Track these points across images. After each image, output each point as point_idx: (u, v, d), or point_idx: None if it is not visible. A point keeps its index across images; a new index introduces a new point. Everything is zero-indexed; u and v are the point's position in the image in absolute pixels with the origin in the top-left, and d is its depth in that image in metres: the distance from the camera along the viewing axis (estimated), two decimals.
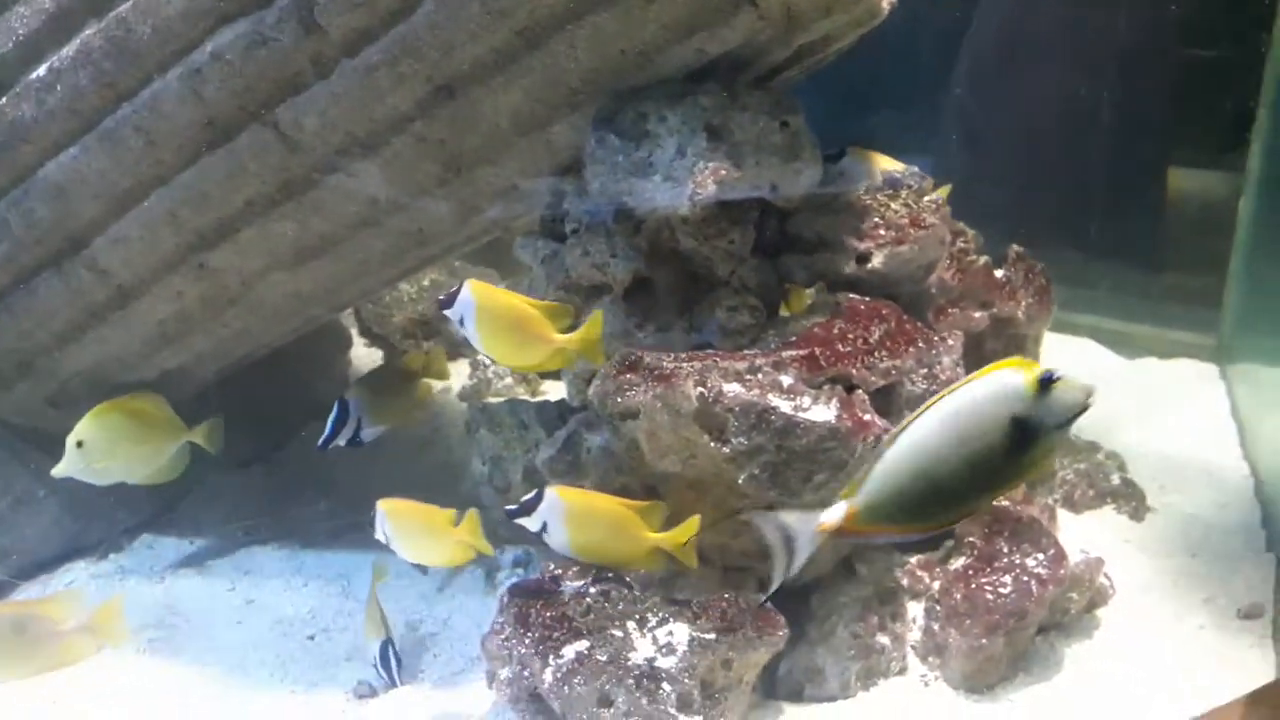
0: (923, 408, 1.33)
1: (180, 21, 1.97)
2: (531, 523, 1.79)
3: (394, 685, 2.14)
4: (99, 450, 2.32)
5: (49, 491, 2.60)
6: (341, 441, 2.35)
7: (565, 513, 1.78)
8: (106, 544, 2.72)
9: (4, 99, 2.18)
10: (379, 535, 2.03)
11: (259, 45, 1.92)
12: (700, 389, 1.77)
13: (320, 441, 2.38)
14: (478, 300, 1.74)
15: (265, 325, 2.52)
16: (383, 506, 2.02)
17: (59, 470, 2.30)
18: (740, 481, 1.80)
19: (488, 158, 2.03)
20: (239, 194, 2.13)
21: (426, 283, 3.87)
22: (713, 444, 1.78)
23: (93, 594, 2.57)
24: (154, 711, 2.18)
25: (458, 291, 1.76)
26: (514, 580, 2.50)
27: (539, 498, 1.79)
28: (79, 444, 2.29)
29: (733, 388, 1.78)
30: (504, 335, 1.76)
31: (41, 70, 2.12)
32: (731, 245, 1.95)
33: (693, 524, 1.77)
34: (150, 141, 2.08)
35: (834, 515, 1.40)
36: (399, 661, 2.15)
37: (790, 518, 1.47)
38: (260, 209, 2.15)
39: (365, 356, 3.74)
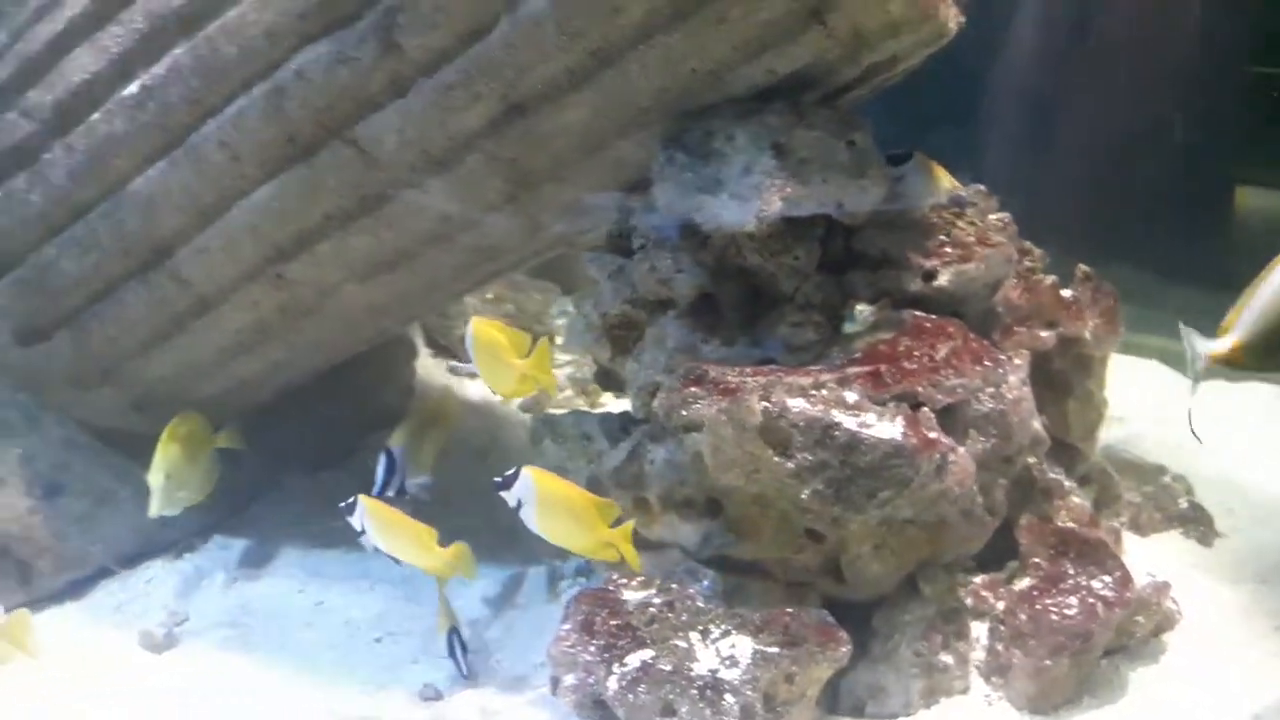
0: None
1: (265, 41, 2.05)
2: (509, 498, 1.88)
3: (461, 674, 2.18)
4: (179, 480, 2.47)
5: (129, 492, 2.70)
6: (390, 492, 2.43)
7: (536, 494, 1.87)
8: (181, 544, 2.81)
9: (97, 114, 2.28)
10: (356, 525, 2.16)
11: (340, 64, 1.99)
12: (765, 404, 1.79)
13: (374, 492, 2.45)
14: (537, 486, 1.88)
15: (339, 336, 2.60)
16: (364, 502, 2.15)
17: (156, 510, 2.44)
18: (803, 497, 1.82)
19: (557, 175, 2.08)
20: (317, 208, 2.20)
21: (490, 296, 3.94)
22: (776, 459, 1.80)
23: (163, 593, 2.67)
24: (228, 707, 2.25)
25: (515, 475, 1.88)
26: (576, 589, 2.54)
27: (516, 475, 1.88)
28: (167, 478, 2.42)
29: (797, 403, 1.80)
30: (560, 520, 1.89)
31: (133, 87, 2.22)
32: (796, 261, 1.97)
33: (628, 527, 1.88)
34: (234, 156, 2.17)
35: (1221, 346, 1.80)
36: (464, 649, 2.20)
37: (1196, 339, 1.95)
38: (337, 223, 2.22)
39: (431, 367, 3.82)
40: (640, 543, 2.12)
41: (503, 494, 1.89)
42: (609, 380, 2.35)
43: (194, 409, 2.67)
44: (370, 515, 2.15)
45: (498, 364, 2.02)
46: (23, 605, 2.59)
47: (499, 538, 2.51)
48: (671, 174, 1.91)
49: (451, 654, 2.19)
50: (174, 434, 2.48)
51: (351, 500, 2.17)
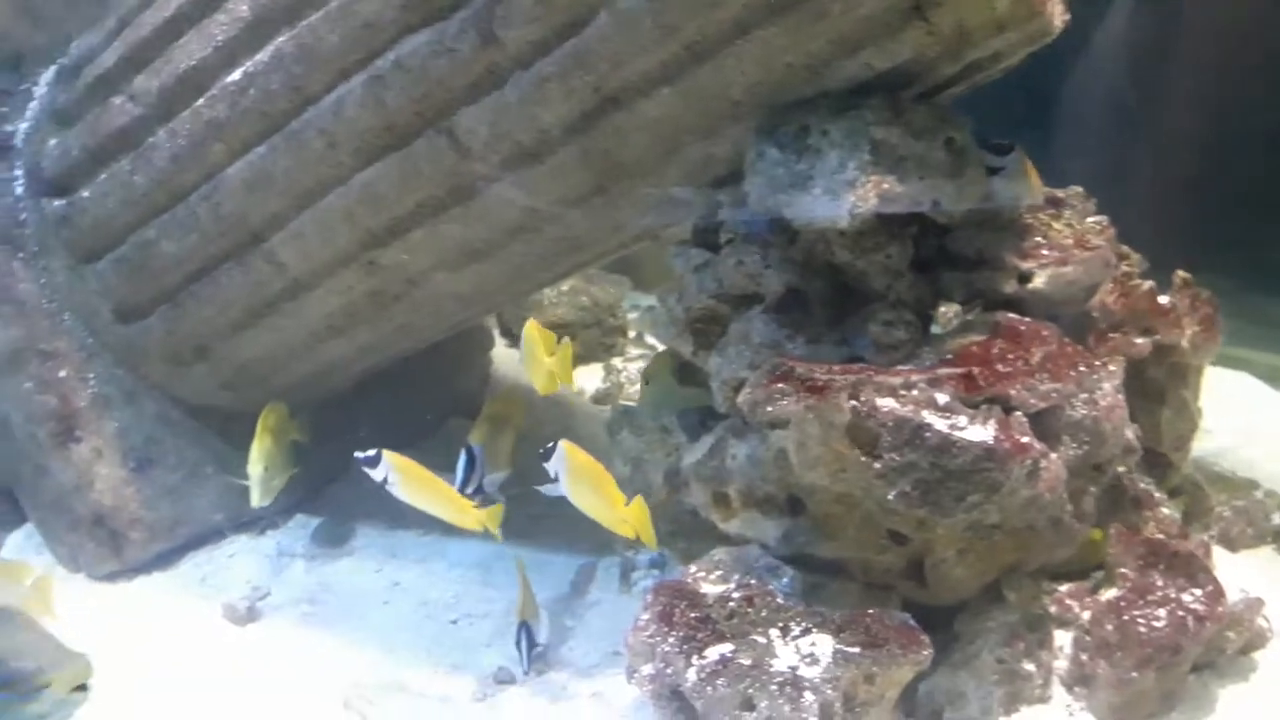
0: None
1: (366, 31, 2.08)
2: (550, 468, 2.04)
3: (523, 669, 2.22)
4: (274, 470, 2.56)
5: (216, 468, 2.77)
6: (469, 490, 2.47)
7: (569, 467, 2.03)
8: (264, 521, 2.88)
9: (201, 100, 2.35)
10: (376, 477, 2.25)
11: (439, 55, 2.02)
12: (854, 402, 1.78)
13: (457, 488, 2.49)
14: (569, 460, 2.05)
15: (425, 322, 2.64)
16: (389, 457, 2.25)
17: (259, 501, 2.53)
18: (890, 498, 1.80)
19: (646, 168, 2.08)
20: (411, 196, 2.24)
21: (565, 287, 3.98)
22: (863, 458, 1.79)
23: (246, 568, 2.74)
24: (307, 680, 2.30)
25: (554, 448, 2.05)
26: (649, 580, 2.56)
27: (555, 449, 2.03)
28: (265, 469, 2.52)
29: (887, 402, 1.78)
30: (586, 493, 2.05)
31: (236, 74, 2.28)
32: (889, 260, 1.95)
33: (639, 503, 2.03)
34: (332, 144, 2.21)
35: None
36: (530, 645, 2.22)
37: None
38: (430, 211, 2.26)
39: (505, 356, 3.86)
40: (718, 537, 2.14)
41: (545, 464, 2.06)
42: (688, 375, 2.35)
43: (282, 389, 2.75)
44: (397, 470, 2.24)
45: (534, 361, 2.20)
46: (114, 573, 2.70)
47: (571, 528, 2.53)
48: (763, 168, 1.91)
49: (517, 645, 2.22)
50: (265, 426, 2.55)
51: (375, 453, 2.23)
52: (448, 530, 2.85)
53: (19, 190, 2.72)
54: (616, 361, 4.02)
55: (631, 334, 4.26)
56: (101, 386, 2.69)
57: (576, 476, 2.05)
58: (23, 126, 2.76)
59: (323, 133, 2.20)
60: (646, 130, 1.99)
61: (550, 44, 1.93)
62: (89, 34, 2.70)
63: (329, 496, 3.03)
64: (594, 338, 4.10)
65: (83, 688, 0.93)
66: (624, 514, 2.03)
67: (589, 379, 3.83)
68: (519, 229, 2.28)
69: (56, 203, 2.63)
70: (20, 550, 2.83)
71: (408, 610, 2.57)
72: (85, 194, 2.58)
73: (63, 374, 2.66)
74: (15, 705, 0.90)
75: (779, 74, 1.86)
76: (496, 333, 3.87)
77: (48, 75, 2.80)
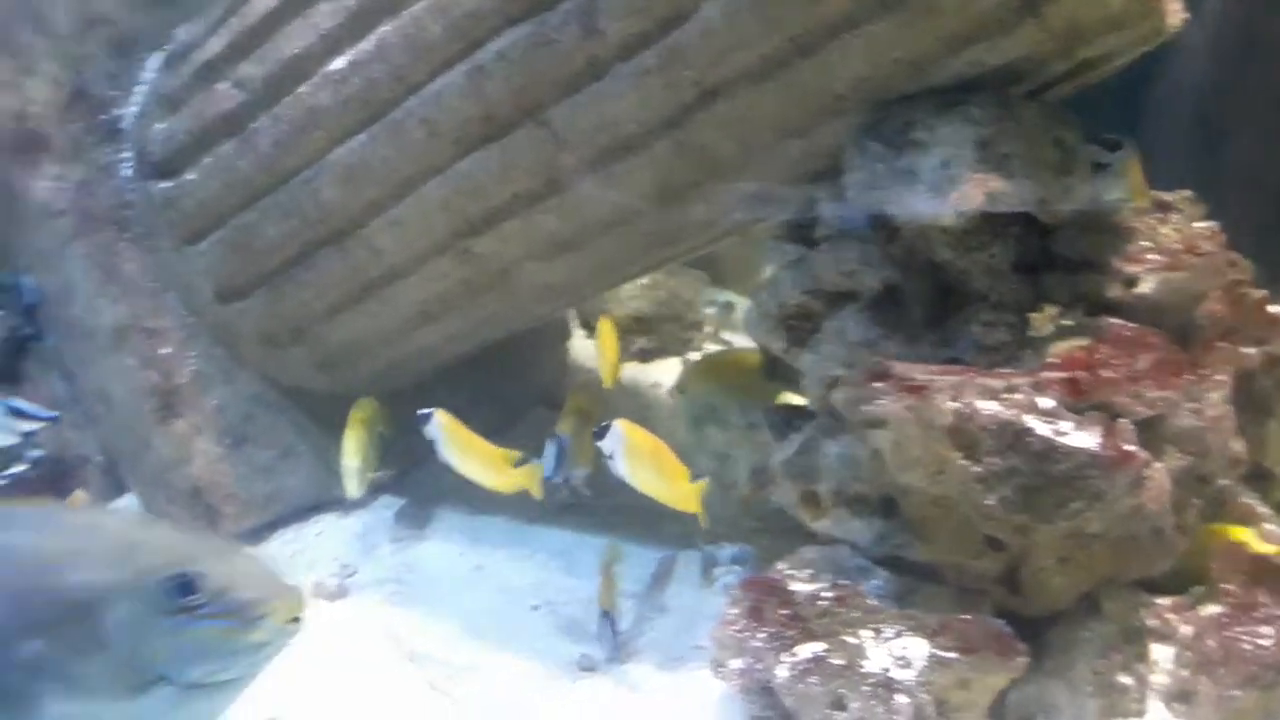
0: None
1: (469, 21, 2.10)
2: (605, 447, 2.07)
3: (608, 657, 2.23)
4: (367, 462, 2.64)
5: (307, 447, 2.84)
6: (559, 479, 2.49)
7: (625, 446, 2.06)
8: (351, 502, 2.94)
9: (305, 87, 2.40)
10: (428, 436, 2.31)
11: (541, 46, 2.03)
12: (955, 404, 1.76)
13: (545, 475, 2.51)
14: (627, 438, 2.09)
15: (513, 311, 2.67)
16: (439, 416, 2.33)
17: (356, 492, 2.61)
18: (989, 503, 1.77)
19: (743, 162, 2.07)
20: (508, 186, 2.26)
21: (645, 280, 3.98)
22: (963, 461, 1.76)
23: (333, 546, 2.80)
24: (395, 659, 2.35)
25: (608, 427, 2.09)
26: (732, 576, 2.56)
27: (609, 428, 2.08)
28: (360, 462, 2.60)
29: (989, 405, 1.75)
30: (645, 471, 2.09)
31: (340, 62, 2.31)
32: (991, 259, 1.92)
33: (702, 484, 2.10)
34: (432, 133, 2.24)
35: None
36: (615, 633, 2.24)
37: None
38: (526, 202, 2.27)
39: (581, 349, 3.89)
40: (804, 535, 2.13)
41: (599, 443, 2.10)
42: (777, 371, 2.34)
43: (372, 374, 2.81)
44: (444, 429, 2.30)
45: (600, 356, 2.37)
46: None
47: (651, 519, 2.54)
48: (864, 164, 1.88)
49: (600, 634, 2.23)
50: (358, 419, 2.62)
51: (428, 411, 2.29)
52: (530, 517, 2.90)
53: (126, 172, 2.80)
54: (694, 356, 4.02)
55: (708, 329, 4.26)
56: (201, 364, 2.77)
57: (634, 455, 2.06)
58: (131, 111, 2.83)
59: (423, 122, 2.23)
60: (745, 124, 1.97)
61: (652, 36, 1.93)
62: (194, 21, 2.77)
63: (412, 480, 3.08)
64: (672, 331, 4.10)
65: (296, 619, 0.97)
66: (684, 491, 2.04)
67: (666, 373, 3.84)
68: (612, 222, 2.28)
69: (162, 185, 2.71)
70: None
71: (490, 594, 2.60)
72: (190, 177, 2.65)
73: (165, 351, 2.74)
74: (238, 633, 0.94)
75: (885, 69, 1.83)
76: (575, 325, 3.90)
77: (155, 61, 2.87)
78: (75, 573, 0.93)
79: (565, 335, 3.73)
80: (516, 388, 3.27)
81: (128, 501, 2.95)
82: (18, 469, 3.01)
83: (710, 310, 4.32)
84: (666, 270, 3.96)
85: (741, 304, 4.39)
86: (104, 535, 0.97)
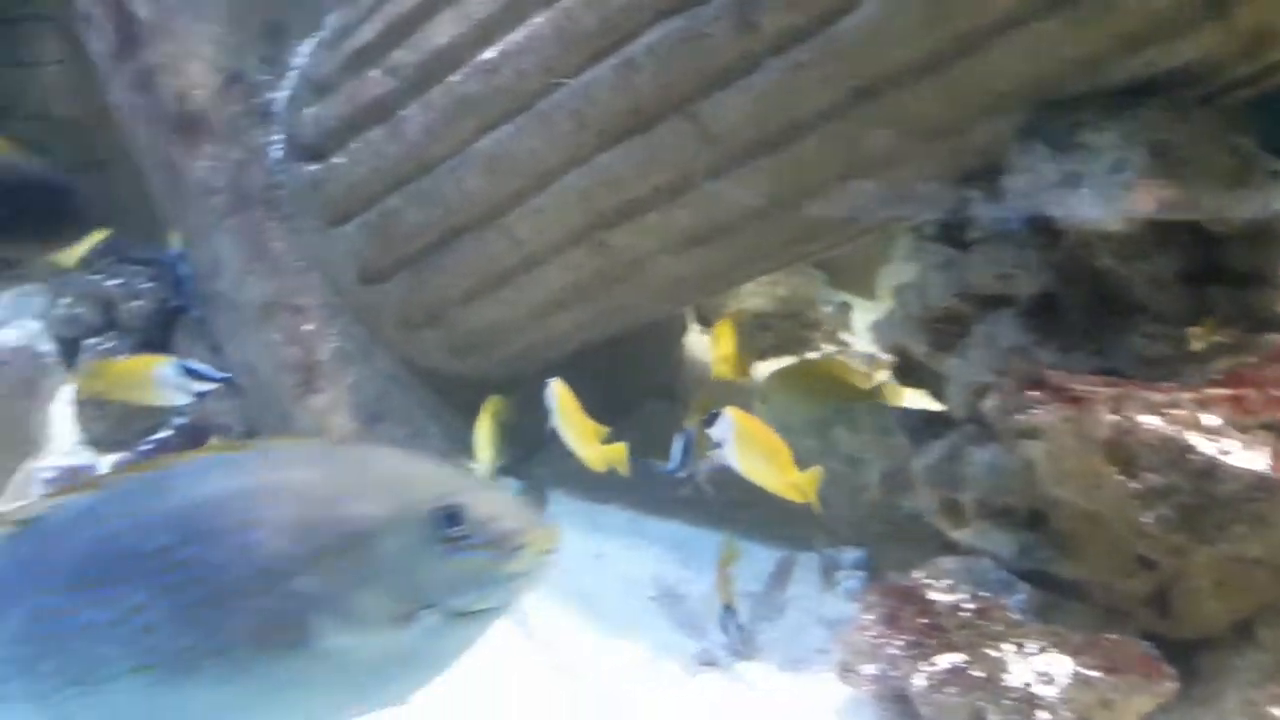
0: None
1: (621, 14, 2.11)
2: (714, 434, 2.09)
3: (736, 650, 2.22)
4: (497, 455, 2.67)
5: (437, 428, 2.91)
6: (683, 473, 2.50)
7: (735, 433, 2.06)
8: None
9: (455, 76, 2.44)
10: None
11: (692, 40, 2.03)
12: (1114, 417, 1.70)
13: (671, 467, 2.52)
14: (737, 426, 2.09)
15: (642, 303, 2.68)
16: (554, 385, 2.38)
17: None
18: (1145, 521, 1.71)
19: (894, 159, 2.04)
20: (649, 179, 2.27)
21: (767, 277, 3.96)
22: (1120, 477, 1.71)
23: None
24: (515, 638, 2.38)
25: (718, 415, 2.11)
26: (854, 581, 2.53)
27: (719, 415, 2.09)
28: (491, 456, 2.63)
29: (1150, 420, 1.69)
30: (755, 459, 2.08)
31: (491, 52, 2.35)
32: (1155, 269, 1.85)
33: (816, 473, 2.05)
34: (579, 124, 2.26)
35: None
36: (738, 627, 2.24)
37: None
38: (665, 195, 2.28)
39: (697, 344, 3.89)
40: (939, 544, 2.09)
41: (708, 430, 2.11)
42: (910, 374, 2.30)
43: (502, 359, 2.86)
44: (556, 397, 2.35)
45: (713, 351, 2.41)
46: None
47: (769, 518, 2.53)
48: (1027, 164, 1.83)
49: (724, 628, 2.23)
50: (489, 414, 2.66)
51: (549, 380, 2.34)
52: (648, 508, 2.92)
53: (277, 154, 2.90)
54: (811, 355, 3.99)
55: (825, 328, 4.22)
56: (341, 343, 2.86)
57: (744, 443, 2.06)
58: (282, 95, 2.93)
59: (572, 114, 2.25)
60: (900, 121, 1.94)
61: (809, 31, 1.91)
62: (346, 9, 2.85)
63: (536, 462, 3.13)
64: (790, 329, 4.08)
65: (551, 551, 1.01)
66: (795, 480, 2.02)
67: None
68: (754, 216, 2.27)
69: (311, 167, 2.80)
70: None
71: (611, 582, 2.62)
72: (338, 161, 2.73)
73: (307, 328, 2.83)
74: (499, 563, 0.98)
75: (1052, 69, 1.78)
76: (692, 320, 3.90)
77: (306, 47, 2.97)
78: (352, 505, 0.97)
79: (682, 331, 3.73)
80: (633, 380, 3.29)
81: None
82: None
83: (828, 309, 4.28)
84: (788, 268, 3.94)
85: (858, 305, 4.35)
86: (375, 469, 1.00)
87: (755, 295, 3.97)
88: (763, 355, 3.89)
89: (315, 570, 0.96)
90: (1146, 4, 1.66)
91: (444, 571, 0.98)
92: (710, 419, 2.09)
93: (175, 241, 3.11)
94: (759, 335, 3.86)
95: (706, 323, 3.96)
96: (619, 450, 2.33)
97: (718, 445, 2.10)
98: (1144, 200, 1.71)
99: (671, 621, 2.47)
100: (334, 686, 0.99)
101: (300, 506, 0.97)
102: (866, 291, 4.51)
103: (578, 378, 3.02)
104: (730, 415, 2.07)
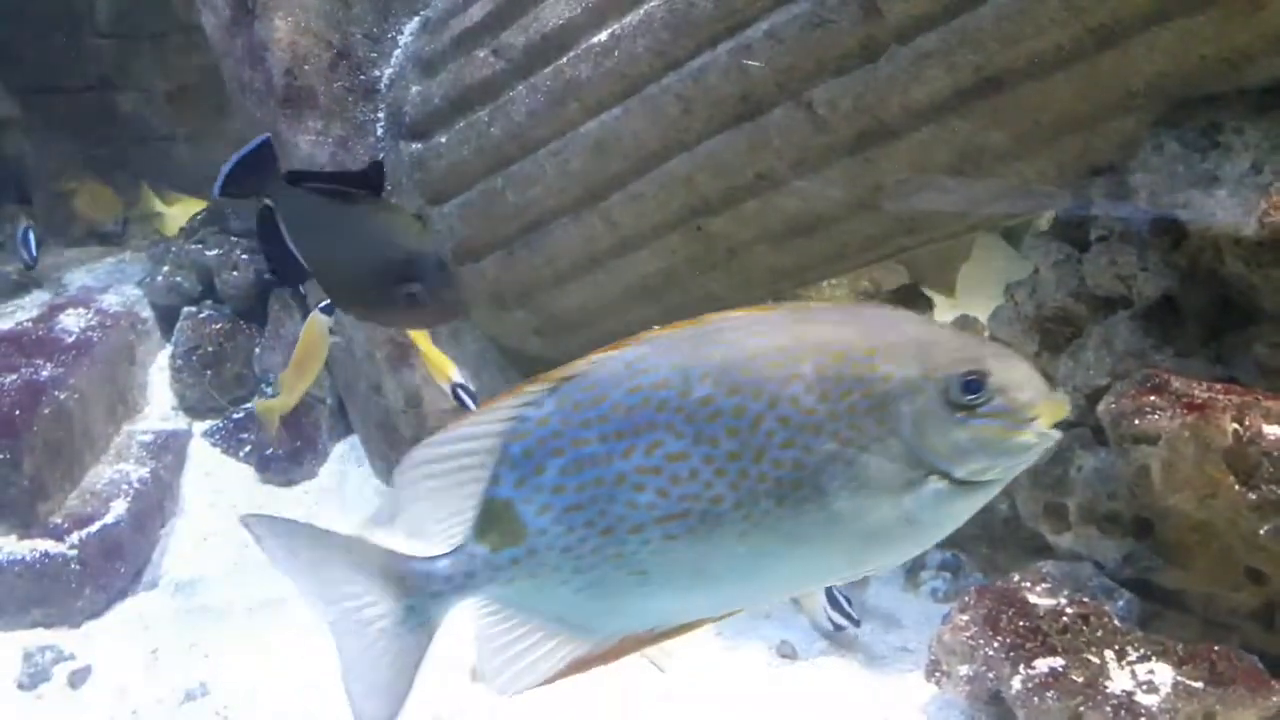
0: None
1: None
2: None
3: (845, 627, 2.21)
4: None
5: None
6: None
7: None
8: None
9: (564, 59, 2.45)
10: None
11: (815, 26, 2.01)
12: (1236, 425, 1.65)
13: None
14: None
15: (733, 293, 2.65)
16: None
17: None
18: (1260, 533, 1.67)
19: (1014, 153, 2.00)
20: (753, 167, 2.25)
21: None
22: (1238, 487, 1.66)
23: None
24: None
25: None
26: (939, 582, 2.50)
27: None
28: None
29: (1274, 430, 1.65)
30: None
31: (603, 35, 2.36)
32: None
33: None
34: (687, 110, 2.26)
35: None
36: (848, 601, 2.22)
37: None
38: (769, 183, 2.27)
39: None
40: (1034, 547, 2.05)
41: None
42: None
43: (586, 343, 2.84)
44: None
45: None
46: None
47: None
48: (1158, 164, 1.79)
49: (836, 607, 2.21)
50: None
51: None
52: None
53: (380, 131, 2.94)
54: None
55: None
56: None
57: None
58: (388, 72, 2.98)
59: (680, 99, 2.25)
60: (1025, 114, 1.91)
61: (937, 19, 1.88)
62: None
63: None
64: None
65: (1059, 426, 1.00)
66: None
67: None
68: (857, 207, 2.25)
69: (414, 146, 2.83)
70: (342, 460, 3.11)
71: None
72: (441, 140, 2.76)
73: None
74: (1010, 433, 0.98)
75: (1191, 66, 1.73)
76: None
77: (412, 25, 3.01)
78: (881, 365, 0.97)
79: None
80: None
81: (349, 442, 3.13)
82: (253, 403, 3.23)
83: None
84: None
85: (939, 301, 4.28)
86: (902, 330, 0.99)
87: (838, 287, 3.93)
88: None
89: (841, 428, 0.97)
90: None
91: (957, 438, 0.97)
92: None
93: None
94: None
95: None
96: None
97: None
98: None
99: (751, 614, 2.46)
100: (837, 548, 1.00)
101: (836, 364, 0.97)
102: (946, 288, 4.45)
103: None
104: None
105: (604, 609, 1.03)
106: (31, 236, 3.24)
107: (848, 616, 2.19)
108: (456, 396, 2.39)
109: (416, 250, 1.85)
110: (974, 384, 0.97)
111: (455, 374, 2.42)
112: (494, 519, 1.03)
